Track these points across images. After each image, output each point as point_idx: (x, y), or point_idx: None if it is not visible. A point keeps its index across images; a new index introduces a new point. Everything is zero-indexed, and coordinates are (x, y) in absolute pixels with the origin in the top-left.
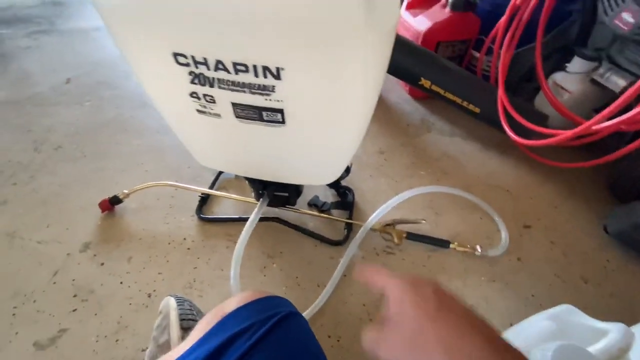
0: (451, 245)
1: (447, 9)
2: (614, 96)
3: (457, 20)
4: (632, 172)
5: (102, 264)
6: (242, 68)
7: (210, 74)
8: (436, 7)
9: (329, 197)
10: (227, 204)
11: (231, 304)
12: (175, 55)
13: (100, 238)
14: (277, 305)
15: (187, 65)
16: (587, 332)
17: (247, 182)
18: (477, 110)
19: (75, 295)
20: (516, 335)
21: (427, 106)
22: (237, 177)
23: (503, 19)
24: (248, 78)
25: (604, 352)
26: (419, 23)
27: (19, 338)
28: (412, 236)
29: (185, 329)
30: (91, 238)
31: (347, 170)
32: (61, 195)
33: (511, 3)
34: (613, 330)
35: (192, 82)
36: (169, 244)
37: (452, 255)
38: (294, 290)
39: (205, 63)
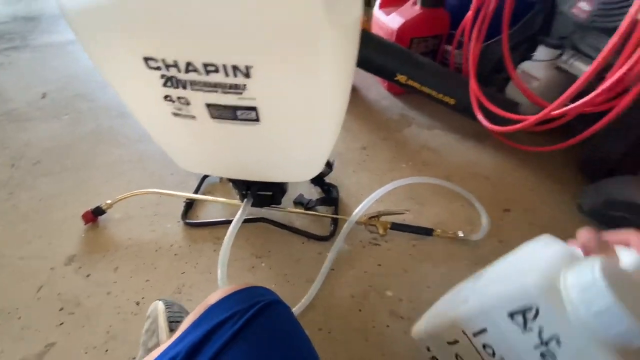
0: (434, 233)
1: (418, 6)
2: None
3: (428, 16)
4: (598, 152)
5: (88, 275)
6: (212, 68)
7: (182, 76)
8: (407, 5)
9: (314, 194)
10: (214, 208)
11: (214, 297)
12: (146, 59)
13: (84, 250)
14: (259, 294)
15: (159, 69)
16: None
17: (230, 184)
18: (453, 101)
19: (61, 309)
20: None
21: (405, 101)
22: (221, 180)
23: (469, 14)
24: (219, 78)
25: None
26: (392, 21)
27: (4, 357)
28: (396, 226)
29: (174, 331)
30: (75, 251)
31: (330, 167)
32: (42, 210)
33: None
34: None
35: (165, 85)
36: (156, 251)
37: (436, 243)
38: (284, 287)
39: (176, 66)
